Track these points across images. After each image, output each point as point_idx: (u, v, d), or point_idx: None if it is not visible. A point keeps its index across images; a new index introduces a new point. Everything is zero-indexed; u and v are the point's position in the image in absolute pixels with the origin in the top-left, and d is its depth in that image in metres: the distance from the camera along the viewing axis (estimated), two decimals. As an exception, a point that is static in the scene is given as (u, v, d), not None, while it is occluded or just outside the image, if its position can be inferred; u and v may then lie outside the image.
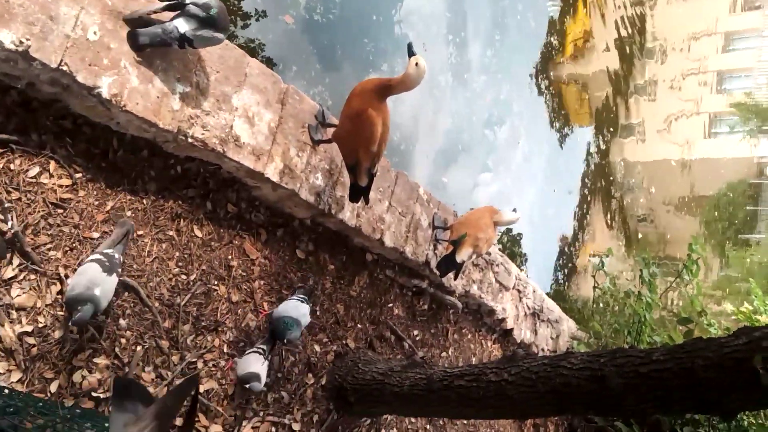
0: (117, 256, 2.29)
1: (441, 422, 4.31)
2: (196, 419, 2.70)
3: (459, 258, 3.55)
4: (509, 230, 7.67)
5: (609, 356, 2.36)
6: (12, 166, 2.18)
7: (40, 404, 2.02)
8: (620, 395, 2.26)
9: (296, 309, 2.92)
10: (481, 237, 3.58)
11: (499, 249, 4.98)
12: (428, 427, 4.20)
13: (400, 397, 3.06)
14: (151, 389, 2.57)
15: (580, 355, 2.49)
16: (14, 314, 2.18)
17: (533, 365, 2.59)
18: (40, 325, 2.22)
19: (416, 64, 2.59)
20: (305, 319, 2.95)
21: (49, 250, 2.27)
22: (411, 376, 3.06)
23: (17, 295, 2.18)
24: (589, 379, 2.36)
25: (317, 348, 3.38)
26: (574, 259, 8.70)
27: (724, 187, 17.81)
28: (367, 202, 3.07)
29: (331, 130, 3.11)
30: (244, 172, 2.81)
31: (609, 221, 9.54)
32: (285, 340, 2.83)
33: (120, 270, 2.33)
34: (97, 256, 2.23)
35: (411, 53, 2.61)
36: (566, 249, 8.69)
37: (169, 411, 1.70)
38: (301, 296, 3.07)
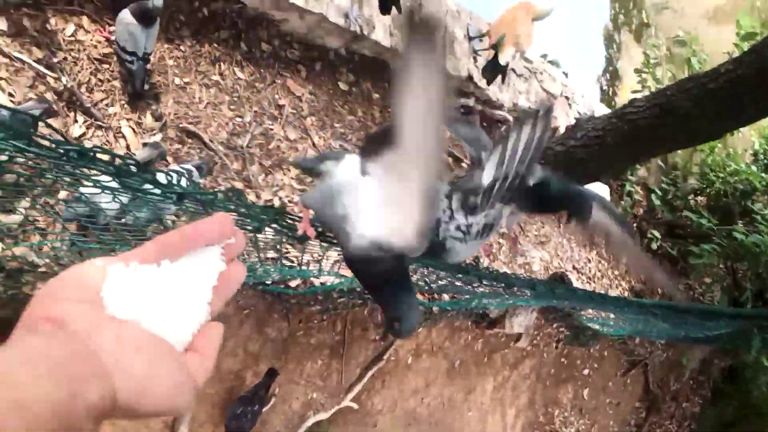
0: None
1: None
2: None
3: (503, 60, 3.44)
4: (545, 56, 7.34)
5: (675, 87, 2.31)
6: (48, 26, 2.20)
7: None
8: (693, 118, 2.22)
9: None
10: (521, 33, 3.44)
11: (540, 57, 4.81)
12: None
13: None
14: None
15: (643, 98, 2.45)
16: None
17: (598, 123, 2.57)
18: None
19: None
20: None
21: (107, 106, 2.34)
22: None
23: (92, 153, 2.28)
24: (659, 115, 2.31)
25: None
26: (615, 62, 8.26)
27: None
28: (399, 10, 2.97)
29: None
30: (268, 2, 2.74)
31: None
32: None
33: None
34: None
35: None
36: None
37: None
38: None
